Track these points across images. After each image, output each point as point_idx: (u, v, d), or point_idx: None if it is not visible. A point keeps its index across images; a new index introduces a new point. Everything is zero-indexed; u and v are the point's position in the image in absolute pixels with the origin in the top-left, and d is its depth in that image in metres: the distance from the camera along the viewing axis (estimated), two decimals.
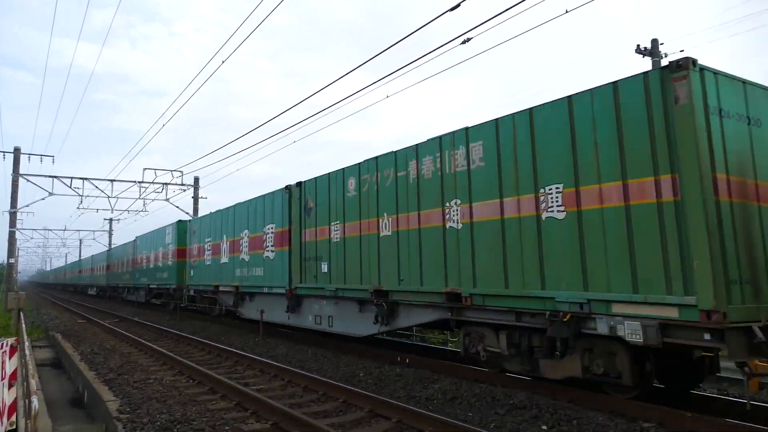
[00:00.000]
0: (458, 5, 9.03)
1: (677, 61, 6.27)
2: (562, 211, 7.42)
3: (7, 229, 30.88)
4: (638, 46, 20.97)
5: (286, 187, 14.56)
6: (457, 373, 9.50)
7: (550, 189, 7.58)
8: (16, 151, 30.32)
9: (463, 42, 9.82)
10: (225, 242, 18.49)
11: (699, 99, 6.20)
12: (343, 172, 12.18)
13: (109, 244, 59.76)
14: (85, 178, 30.86)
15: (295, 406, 7.84)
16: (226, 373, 10.63)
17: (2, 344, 6.24)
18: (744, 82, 6.87)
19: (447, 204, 9.26)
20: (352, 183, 11.89)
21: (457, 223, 9.01)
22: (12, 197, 30.38)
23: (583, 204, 7.15)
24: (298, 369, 10.28)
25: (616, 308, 6.71)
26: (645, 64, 20.79)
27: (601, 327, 6.86)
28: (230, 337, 16.10)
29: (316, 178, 13.26)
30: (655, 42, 21.14)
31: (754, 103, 6.86)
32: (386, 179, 10.86)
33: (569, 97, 7.41)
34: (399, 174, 10.51)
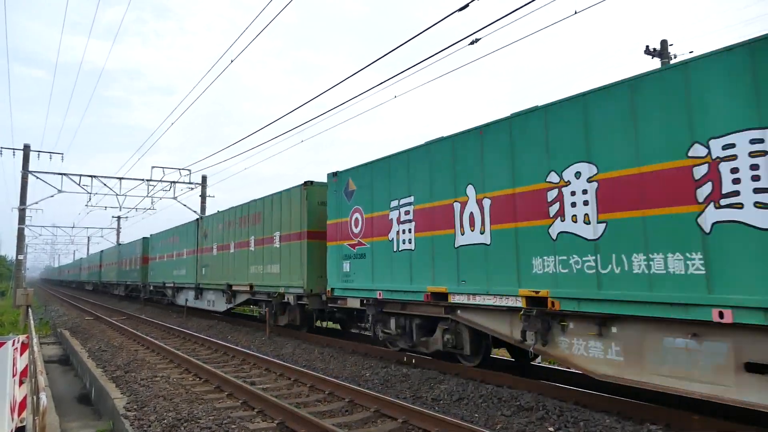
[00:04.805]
0: (467, 5, 9.00)
1: (305, 182, 14.12)
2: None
3: (16, 225, 31.11)
4: (647, 47, 20.83)
5: (196, 219, 23.41)
6: (463, 373, 9.50)
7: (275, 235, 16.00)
8: (26, 149, 30.54)
9: (472, 42, 9.79)
10: (172, 251, 26.67)
11: (313, 197, 14.06)
12: (216, 216, 20.94)
13: (117, 241, 60.17)
14: (94, 176, 31.06)
15: (302, 405, 7.87)
16: (233, 371, 10.68)
17: (14, 341, 6.28)
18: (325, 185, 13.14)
19: (250, 237, 17.32)
20: (222, 221, 20.25)
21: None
22: (21, 194, 30.61)
23: (285, 240, 15.39)
24: (304, 368, 10.31)
25: (291, 289, 14.43)
26: (654, 65, 20.66)
27: (287, 299, 14.82)
28: (237, 336, 16.17)
29: (210, 215, 22.02)
30: (664, 43, 20.99)
31: (322, 195, 13.73)
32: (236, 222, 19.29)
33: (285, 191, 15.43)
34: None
